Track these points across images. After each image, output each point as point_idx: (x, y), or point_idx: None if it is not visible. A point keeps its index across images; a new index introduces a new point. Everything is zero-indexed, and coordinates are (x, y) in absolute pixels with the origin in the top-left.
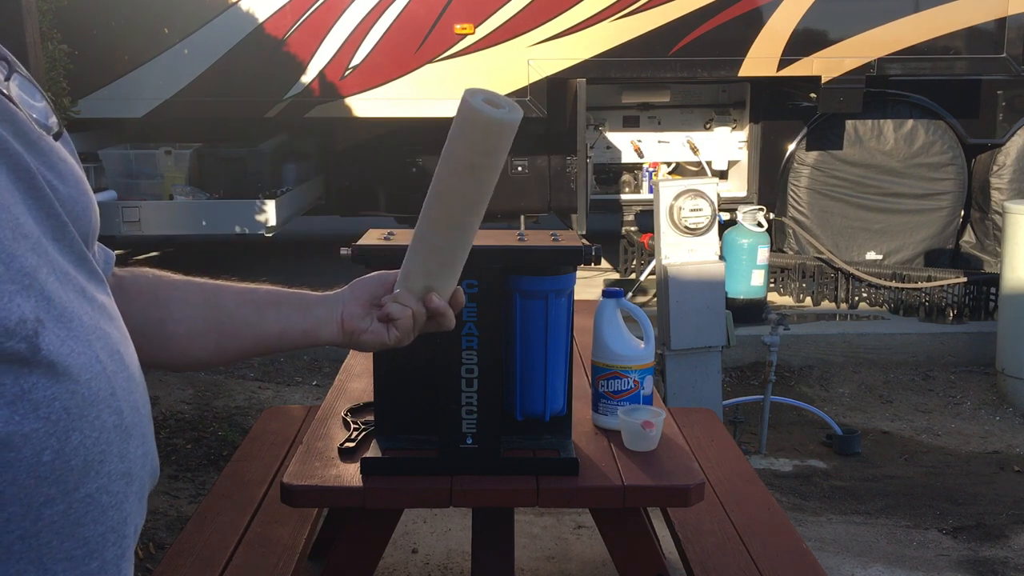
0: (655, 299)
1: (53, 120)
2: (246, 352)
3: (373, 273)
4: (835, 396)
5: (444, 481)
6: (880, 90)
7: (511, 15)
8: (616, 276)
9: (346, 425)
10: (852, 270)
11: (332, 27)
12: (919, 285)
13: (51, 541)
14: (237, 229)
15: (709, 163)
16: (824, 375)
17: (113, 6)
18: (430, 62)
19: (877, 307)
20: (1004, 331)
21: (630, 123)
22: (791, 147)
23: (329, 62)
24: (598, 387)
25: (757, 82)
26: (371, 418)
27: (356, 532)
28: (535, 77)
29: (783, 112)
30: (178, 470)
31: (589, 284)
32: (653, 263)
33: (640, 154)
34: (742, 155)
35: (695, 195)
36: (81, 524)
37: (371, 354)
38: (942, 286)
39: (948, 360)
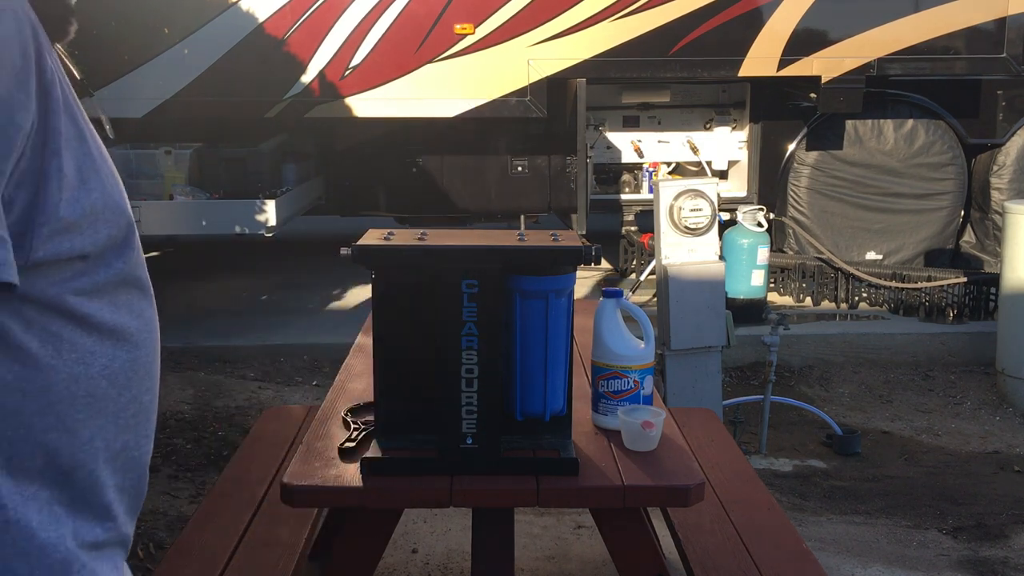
0: (655, 299)
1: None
2: None
3: None
4: (835, 396)
5: (444, 481)
6: (880, 90)
7: (511, 15)
8: (616, 276)
9: (346, 425)
10: (852, 270)
11: (332, 27)
12: (919, 285)
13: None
14: (237, 229)
15: (709, 163)
16: (824, 375)
17: (113, 6)
18: (430, 62)
19: (877, 307)
20: (1004, 331)
21: (630, 123)
22: (791, 147)
23: (329, 62)
24: (598, 387)
25: (757, 82)
26: (371, 418)
27: (356, 532)
28: (535, 77)
29: (783, 112)
30: (178, 470)
31: (589, 284)
32: (653, 263)
33: (640, 154)
34: (742, 155)
35: (695, 195)
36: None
37: (371, 354)
38: (942, 286)
39: (948, 360)
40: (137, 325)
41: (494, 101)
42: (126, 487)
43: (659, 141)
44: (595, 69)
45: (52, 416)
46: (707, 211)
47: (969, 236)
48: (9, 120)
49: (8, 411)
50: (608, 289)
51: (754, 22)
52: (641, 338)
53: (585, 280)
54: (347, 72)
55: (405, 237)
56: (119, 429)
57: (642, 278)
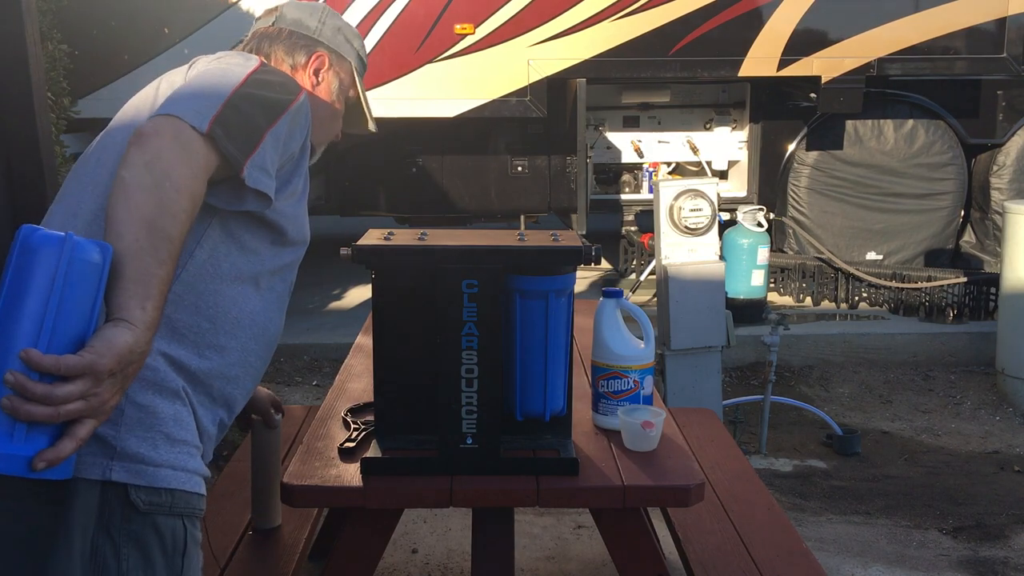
0: (655, 299)
1: None
2: None
3: None
4: (835, 396)
5: (444, 481)
6: (880, 90)
7: (511, 15)
8: (616, 276)
9: (346, 425)
10: (852, 270)
11: None
12: (919, 285)
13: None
14: None
15: (709, 163)
16: (824, 375)
17: (113, 6)
18: (430, 62)
19: (877, 307)
20: (1004, 331)
21: (630, 123)
22: (791, 147)
23: None
24: (598, 387)
25: (757, 82)
26: (371, 418)
27: (356, 532)
28: (535, 77)
29: (783, 112)
30: None
31: (589, 284)
32: (653, 263)
33: (640, 154)
34: (742, 155)
35: (695, 195)
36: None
37: (371, 354)
38: (942, 286)
39: (948, 360)
40: (280, 306)
41: (494, 101)
42: (233, 406)
43: (659, 141)
44: (595, 69)
45: (236, 334)
46: (707, 211)
47: (969, 236)
48: (286, 148)
49: (230, 319)
50: (608, 289)
51: (754, 22)
52: (641, 338)
53: (585, 280)
54: None
55: (405, 237)
56: (243, 367)
57: (642, 278)
